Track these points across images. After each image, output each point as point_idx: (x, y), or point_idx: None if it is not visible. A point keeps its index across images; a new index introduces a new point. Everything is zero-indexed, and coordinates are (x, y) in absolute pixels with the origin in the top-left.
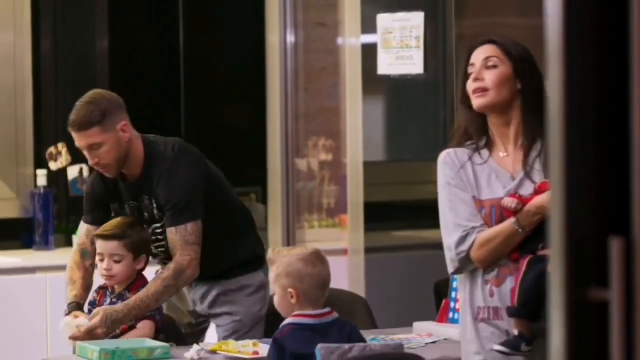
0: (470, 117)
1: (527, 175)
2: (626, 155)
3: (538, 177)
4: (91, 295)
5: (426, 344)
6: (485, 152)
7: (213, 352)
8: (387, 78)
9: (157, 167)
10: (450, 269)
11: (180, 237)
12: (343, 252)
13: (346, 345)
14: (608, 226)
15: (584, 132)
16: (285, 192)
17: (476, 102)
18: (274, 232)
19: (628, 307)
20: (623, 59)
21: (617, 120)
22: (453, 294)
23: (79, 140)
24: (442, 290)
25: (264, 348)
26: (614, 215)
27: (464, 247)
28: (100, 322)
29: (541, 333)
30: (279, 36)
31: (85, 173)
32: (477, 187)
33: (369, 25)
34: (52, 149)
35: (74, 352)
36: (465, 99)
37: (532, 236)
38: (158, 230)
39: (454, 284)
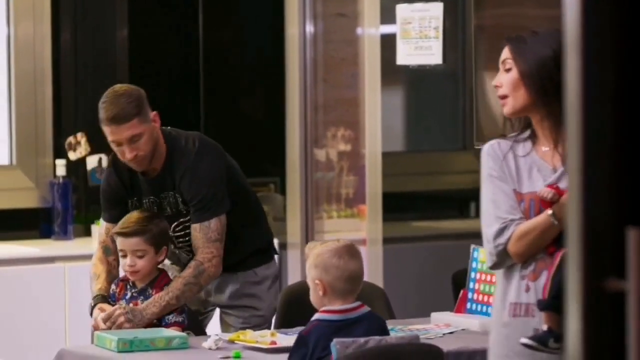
0: None
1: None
2: None
3: None
4: (111, 288)
5: (444, 334)
6: (528, 145)
7: (231, 342)
8: (406, 69)
9: (180, 162)
10: (489, 263)
11: (203, 234)
12: (361, 243)
13: (362, 339)
14: (625, 217)
15: (602, 123)
16: (304, 183)
17: (503, 110)
18: (293, 222)
19: None
20: None
21: (635, 111)
22: (471, 285)
23: (119, 134)
24: (460, 280)
25: (281, 338)
26: (632, 206)
27: (502, 239)
28: (122, 309)
29: None
30: (298, 27)
31: (105, 163)
32: (519, 180)
33: (388, 16)
34: (71, 139)
35: (92, 342)
36: None
37: None
38: (188, 224)
39: (472, 275)
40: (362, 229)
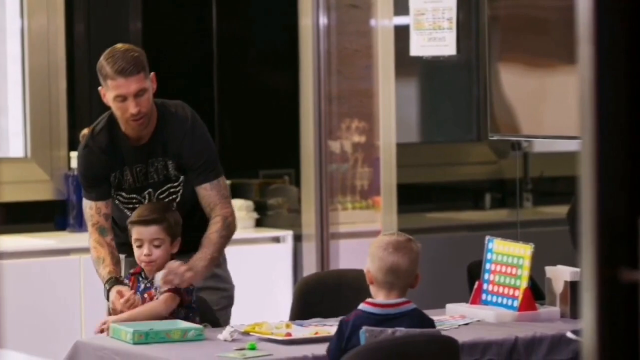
0: None
1: None
2: None
3: None
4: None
5: (459, 325)
6: None
7: (246, 333)
8: (419, 60)
9: (176, 127)
10: None
11: (217, 192)
12: (376, 234)
13: (389, 330)
14: (639, 207)
15: (615, 113)
16: (318, 175)
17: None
18: (308, 214)
19: None
20: None
21: None
22: (486, 276)
23: (127, 87)
24: (475, 272)
25: (297, 330)
26: None
27: None
28: (169, 281)
29: None
30: (311, 18)
31: None
32: None
33: (401, 7)
34: (85, 131)
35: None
36: None
37: None
38: (173, 190)
39: (487, 266)
40: (376, 220)
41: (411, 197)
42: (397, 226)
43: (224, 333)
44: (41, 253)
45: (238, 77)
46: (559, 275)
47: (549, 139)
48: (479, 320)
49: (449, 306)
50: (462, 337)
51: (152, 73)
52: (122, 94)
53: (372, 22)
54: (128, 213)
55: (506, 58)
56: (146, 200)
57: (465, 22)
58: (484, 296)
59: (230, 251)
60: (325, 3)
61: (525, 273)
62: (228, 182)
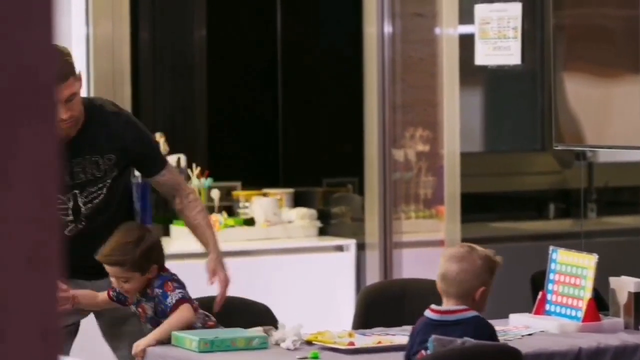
0: None
1: None
2: None
3: None
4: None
5: (522, 336)
6: None
7: (309, 342)
8: (484, 69)
9: (110, 122)
10: None
11: (174, 173)
12: (439, 244)
13: (459, 341)
14: None
15: None
16: (382, 183)
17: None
18: (371, 222)
19: None
20: None
21: None
22: (550, 286)
23: (59, 94)
24: (539, 282)
25: (359, 339)
26: None
27: None
28: (224, 273)
29: None
30: (376, 27)
31: (183, 163)
32: None
33: (466, 16)
34: None
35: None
36: None
37: None
38: (102, 188)
39: (551, 276)
40: (440, 229)
41: (475, 206)
42: (461, 236)
43: (287, 342)
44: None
45: (302, 85)
46: (623, 286)
47: (613, 149)
48: (542, 331)
49: (512, 316)
50: (525, 347)
51: (78, 71)
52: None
53: (437, 30)
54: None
55: (571, 67)
56: (71, 203)
57: (530, 31)
58: (547, 306)
59: (293, 260)
60: (390, 11)
61: (589, 284)
62: (291, 190)
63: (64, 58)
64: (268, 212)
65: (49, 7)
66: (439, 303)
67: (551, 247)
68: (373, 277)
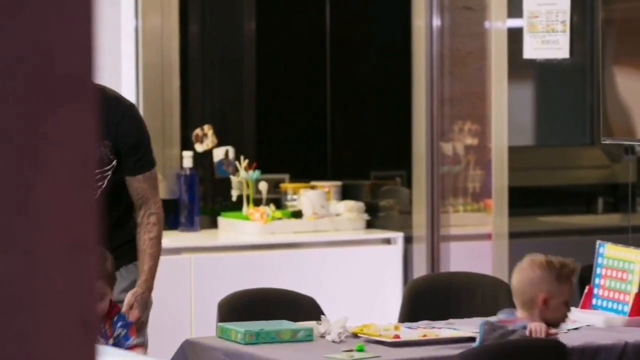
0: None
1: None
2: None
3: None
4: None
5: (569, 330)
6: None
7: (354, 335)
8: (533, 62)
9: (110, 105)
10: None
11: (150, 184)
12: (487, 237)
13: (509, 327)
14: None
15: None
16: (430, 176)
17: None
18: (419, 215)
19: None
20: None
21: None
22: (597, 281)
23: None
24: (585, 276)
25: (405, 332)
26: None
27: None
28: (141, 312)
29: None
30: (425, 20)
31: (231, 155)
32: None
33: (515, 9)
34: (198, 131)
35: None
36: None
37: None
38: (103, 179)
39: (598, 271)
40: (488, 223)
41: (524, 200)
42: (508, 230)
43: (332, 334)
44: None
45: (350, 77)
46: None
47: None
48: (588, 325)
49: None
50: (571, 341)
51: None
52: None
53: (486, 24)
54: None
55: (620, 61)
56: None
57: (579, 25)
58: (594, 301)
59: (340, 252)
60: (439, 4)
61: (636, 278)
62: (339, 183)
63: None
64: (316, 205)
65: None
66: (486, 297)
67: (598, 242)
68: (420, 270)
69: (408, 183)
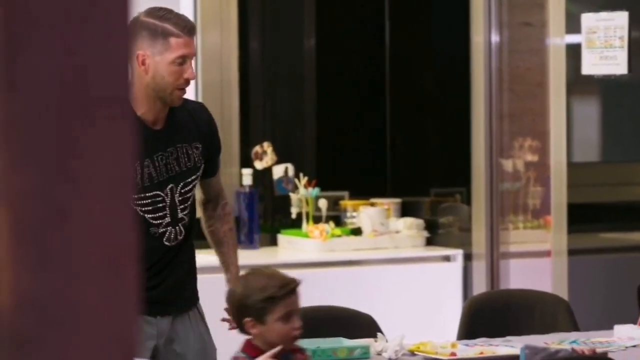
0: None
1: None
2: None
3: None
4: None
5: (626, 347)
6: None
7: (411, 352)
8: (591, 78)
9: (197, 108)
10: None
11: (219, 180)
12: (546, 254)
13: (552, 349)
14: None
15: None
16: (489, 193)
17: None
18: (478, 232)
19: None
20: None
21: None
22: None
23: (191, 47)
24: None
25: (462, 350)
26: None
27: None
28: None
29: None
30: (484, 36)
31: (291, 173)
32: None
33: (573, 25)
34: (257, 149)
35: None
36: None
37: None
38: (194, 182)
39: None
40: (547, 240)
41: (585, 216)
42: (567, 246)
43: (389, 351)
44: (212, 269)
45: (410, 94)
46: None
47: None
48: None
49: (617, 327)
50: (628, 359)
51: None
52: (186, 54)
53: (546, 40)
54: (151, 220)
55: None
56: (168, 199)
57: (637, 40)
58: None
59: (400, 269)
60: (498, 21)
61: None
62: (399, 200)
63: (181, 15)
64: (375, 222)
65: (122, 3)
66: (544, 314)
67: None
68: (480, 287)
69: (468, 200)
